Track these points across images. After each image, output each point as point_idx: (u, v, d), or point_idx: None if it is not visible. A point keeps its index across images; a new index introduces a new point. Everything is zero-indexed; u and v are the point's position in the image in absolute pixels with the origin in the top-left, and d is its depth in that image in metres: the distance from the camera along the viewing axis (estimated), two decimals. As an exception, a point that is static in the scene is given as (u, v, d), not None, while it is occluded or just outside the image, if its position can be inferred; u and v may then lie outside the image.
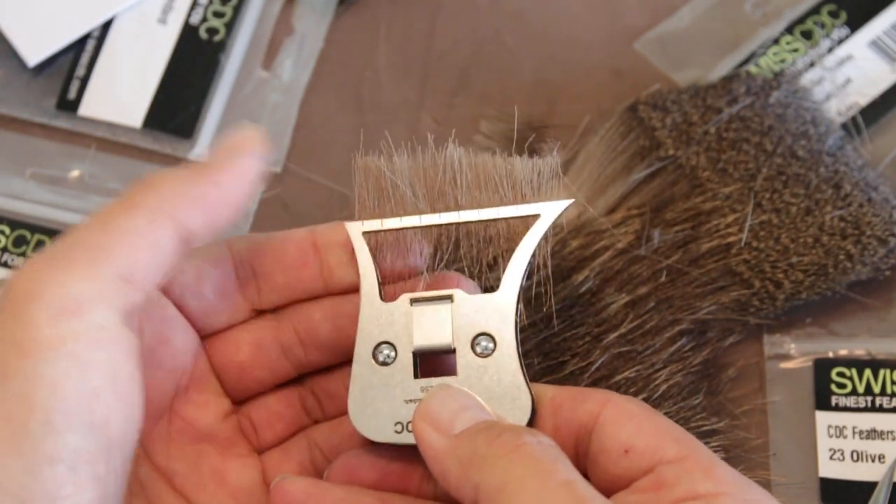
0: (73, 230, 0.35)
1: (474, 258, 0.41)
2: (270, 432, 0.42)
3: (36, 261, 0.34)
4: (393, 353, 0.39)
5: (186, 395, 0.41)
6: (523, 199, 0.40)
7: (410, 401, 0.38)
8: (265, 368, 0.42)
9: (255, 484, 0.41)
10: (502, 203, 0.40)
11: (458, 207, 0.40)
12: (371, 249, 0.40)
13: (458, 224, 0.40)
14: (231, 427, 0.42)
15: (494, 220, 0.40)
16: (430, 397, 0.37)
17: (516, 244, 0.39)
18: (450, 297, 0.39)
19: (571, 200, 0.39)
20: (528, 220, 0.39)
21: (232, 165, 0.37)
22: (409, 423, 0.38)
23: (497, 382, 0.38)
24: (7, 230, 0.53)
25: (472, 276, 0.41)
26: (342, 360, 0.42)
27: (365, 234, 0.40)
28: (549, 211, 0.39)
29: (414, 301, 0.39)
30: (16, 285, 0.33)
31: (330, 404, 0.42)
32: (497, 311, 0.39)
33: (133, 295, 0.34)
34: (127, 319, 0.34)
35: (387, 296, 0.40)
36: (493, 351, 0.38)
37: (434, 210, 0.40)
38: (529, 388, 0.38)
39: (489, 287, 0.40)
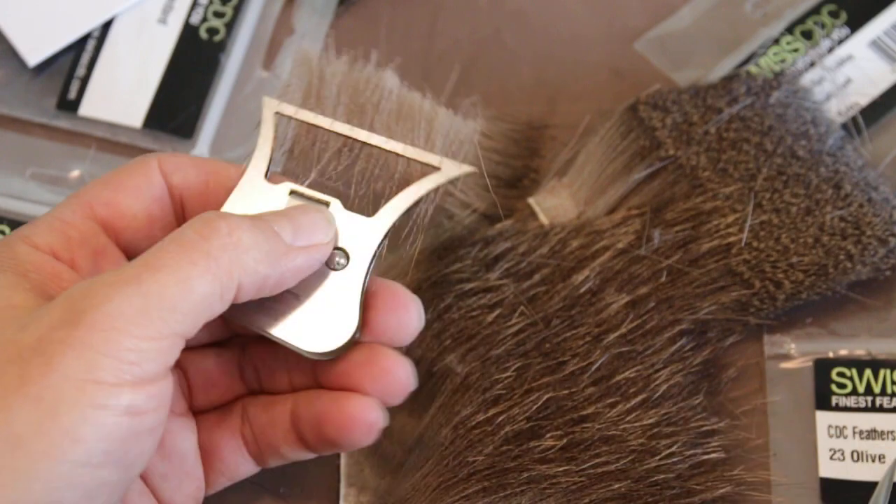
0: (153, 272, 0.35)
1: (365, 181, 0.42)
2: (204, 397, 0.44)
3: (111, 307, 0.34)
4: None
5: None
6: (431, 149, 0.40)
7: None
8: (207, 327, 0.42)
9: (190, 447, 0.42)
10: (412, 143, 0.41)
11: (370, 129, 0.41)
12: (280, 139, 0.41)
13: (363, 143, 0.41)
14: (173, 384, 0.42)
15: (397, 155, 0.41)
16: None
17: (407, 184, 0.40)
18: (327, 204, 0.40)
19: (473, 169, 0.40)
20: (427, 169, 0.40)
21: (303, 261, 0.38)
22: None
23: (334, 296, 0.39)
24: (7, 230, 0.53)
25: (356, 197, 0.42)
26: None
27: (276, 114, 0.41)
28: (448, 168, 0.40)
29: (293, 193, 0.40)
30: (87, 327, 0.33)
31: (268, 380, 0.43)
32: (363, 234, 0.40)
33: (182, 345, 0.36)
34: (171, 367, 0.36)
35: (272, 179, 0.41)
36: (344, 268, 0.39)
37: (348, 122, 0.41)
38: (360, 316, 0.39)
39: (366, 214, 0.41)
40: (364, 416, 0.41)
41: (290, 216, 0.39)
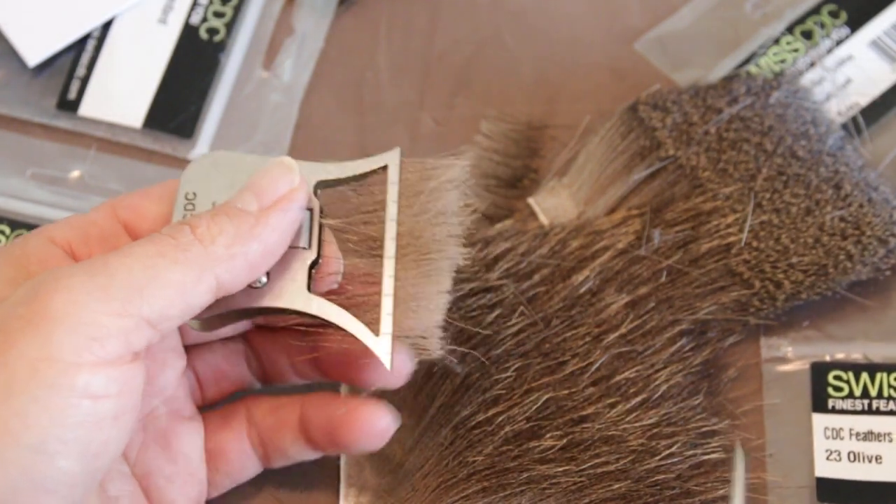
0: (121, 257, 0.35)
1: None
2: (215, 389, 0.44)
3: (73, 281, 0.34)
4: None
5: (154, 361, 0.41)
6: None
7: None
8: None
9: (196, 449, 0.42)
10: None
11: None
12: None
13: (381, 254, 0.40)
14: (184, 387, 0.43)
15: (382, 293, 0.40)
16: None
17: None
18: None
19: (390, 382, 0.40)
20: (375, 328, 0.39)
21: (278, 219, 0.38)
22: None
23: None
24: (7, 230, 0.53)
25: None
26: (287, 324, 0.43)
27: (386, 166, 0.41)
28: (378, 346, 0.39)
29: None
30: (47, 300, 0.33)
31: (271, 368, 0.44)
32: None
33: (153, 336, 0.35)
34: (140, 355, 0.35)
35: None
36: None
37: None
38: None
39: None
40: (376, 424, 0.41)
41: (249, 185, 0.39)
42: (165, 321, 0.35)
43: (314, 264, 0.40)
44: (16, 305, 0.34)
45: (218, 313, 0.39)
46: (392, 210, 0.40)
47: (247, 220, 0.37)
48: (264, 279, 0.39)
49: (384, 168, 0.41)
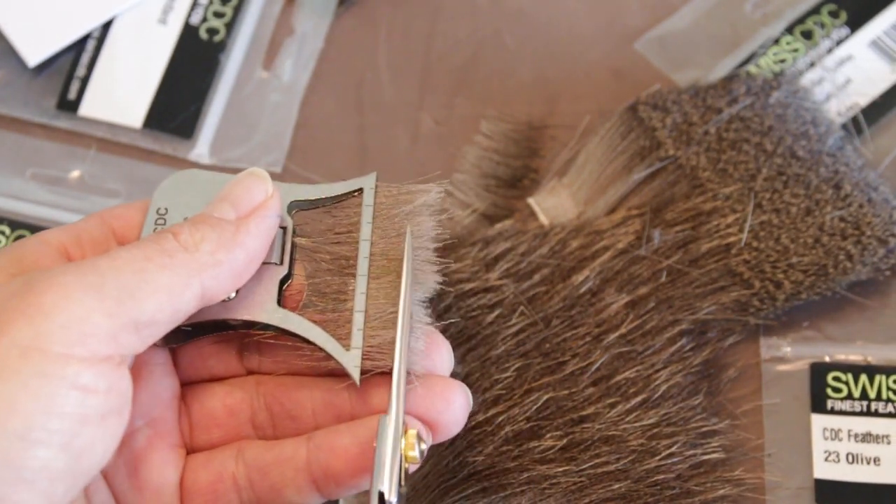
0: (109, 260, 0.35)
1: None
2: (205, 437, 0.41)
3: (66, 278, 0.34)
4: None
5: (139, 376, 0.40)
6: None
7: None
8: (221, 361, 0.41)
9: (168, 484, 0.39)
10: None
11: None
12: None
13: (354, 271, 0.40)
14: (171, 412, 0.41)
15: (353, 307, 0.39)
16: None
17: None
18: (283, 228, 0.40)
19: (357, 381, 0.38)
20: (344, 341, 0.39)
21: (258, 226, 0.38)
22: None
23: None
24: (7, 230, 0.53)
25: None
26: (303, 374, 0.41)
27: (363, 189, 0.41)
28: (346, 360, 0.38)
29: None
30: (41, 294, 0.33)
31: (287, 426, 0.40)
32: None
33: (139, 344, 0.35)
34: (127, 362, 0.35)
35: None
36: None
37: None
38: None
39: None
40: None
41: (224, 195, 0.39)
42: (153, 326, 0.35)
43: (285, 281, 0.40)
44: (9, 297, 0.34)
45: (181, 327, 0.38)
46: (366, 231, 0.40)
47: (227, 227, 0.37)
48: (233, 293, 0.39)
49: (359, 192, 0.41)
